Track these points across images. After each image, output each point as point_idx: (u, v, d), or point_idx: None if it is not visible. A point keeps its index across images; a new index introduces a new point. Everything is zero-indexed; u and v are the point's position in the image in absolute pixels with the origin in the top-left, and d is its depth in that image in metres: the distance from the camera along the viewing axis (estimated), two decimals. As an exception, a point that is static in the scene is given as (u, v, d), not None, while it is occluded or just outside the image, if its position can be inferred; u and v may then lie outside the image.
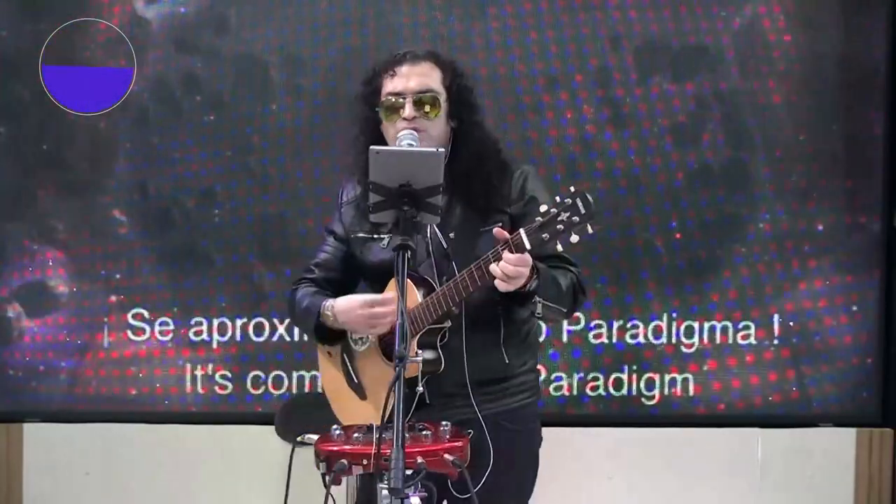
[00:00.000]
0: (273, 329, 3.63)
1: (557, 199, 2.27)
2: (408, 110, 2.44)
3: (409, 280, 2.38)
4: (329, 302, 2.51)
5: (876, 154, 3.68)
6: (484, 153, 2.51)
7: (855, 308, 3.70)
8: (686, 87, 3.65)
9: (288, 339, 3.62)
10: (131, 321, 3.63)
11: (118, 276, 3.63)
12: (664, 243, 3.66)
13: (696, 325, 3.68)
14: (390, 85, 2.48)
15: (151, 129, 3.62)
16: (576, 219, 2.23)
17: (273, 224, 3.63)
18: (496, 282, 2.27)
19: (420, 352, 2.39)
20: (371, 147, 2.15)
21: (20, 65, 3.58)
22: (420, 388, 2.40)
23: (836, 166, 3.68)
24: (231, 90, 3.61)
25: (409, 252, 2.06)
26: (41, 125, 3.60)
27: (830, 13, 3.65)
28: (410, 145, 2.35)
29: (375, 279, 2.53)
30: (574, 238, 2.23)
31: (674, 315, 3.68)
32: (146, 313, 3.64)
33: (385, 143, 2.47)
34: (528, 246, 2.26)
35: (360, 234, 2.56)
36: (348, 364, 2.56)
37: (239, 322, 3.63)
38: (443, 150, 2.16)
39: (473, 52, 3.60)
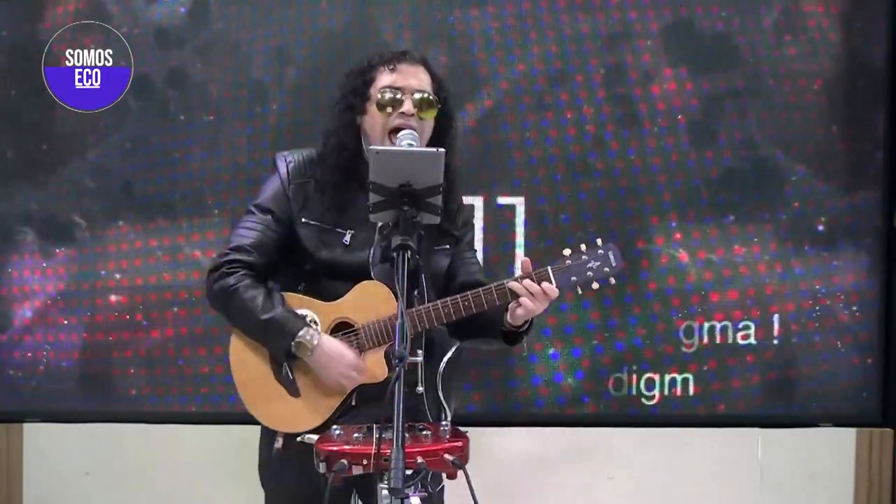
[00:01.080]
0: (273, 329, 3.62)
1: (584, 246, 2.43)
2: (407, 105, 2.45)
3: (384, 287, 2.40)
4: (313, 334, 2.42)
5: (876, 154, 3.68)
6: (452, 169, 2.50)
7: (855, 308, 3.70)
8: (685, 88, 3.65)
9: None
10: (131, 321, 3.63)
11: (118, 276, 3.63)
12: (664, 243, 3.66)
13: (696, 325, 3.68)
14: (388, 78, 2.49)
15: (151, 128, 3.61)
16: (606, 269, 2.42)
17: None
18: (522, 300, 2.38)
19: (420, 351, 2.44)
20: (371, 147, 2.15)
21: (20, 65, 3.57)
22: (420, 389, 2.43)
23: (836, 166, 3.68)
24: (231, 90, 3.60)
25: (410, 252, 2.07)
26: (41, 124, 3.60)
27: (830, 13, 3.65)
28: (410, 145, 2.35)
29: (340, 278, 2.47)
30: (595, 285, 2.42)
31: (674, 315, 3.68)
32: (146, 313, 3.64)
33: (359, 139, 2.47)
34: (554, 285, 2.39)
35: (319, 224, 2.49)
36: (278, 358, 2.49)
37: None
38: (443, 150, 2.16)
39: (473, 52, 3.60)
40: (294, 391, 2.48)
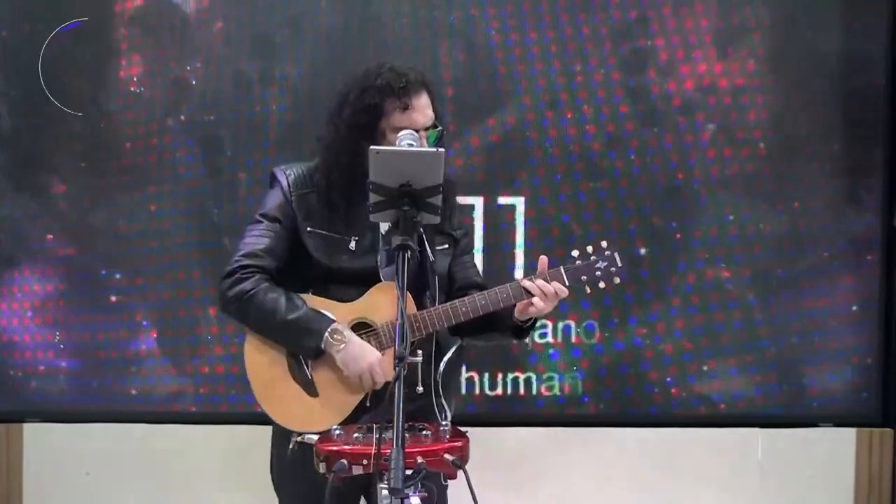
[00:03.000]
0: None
1: (590, 248, 2.52)
2: (422, 142, 2.44)
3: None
4: (342, 329, 2.44)
5: (876, 154, 3.68)
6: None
7: (855, 308, 3.70)
8: (685, 87, 3.65)
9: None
10: (131, 321, 3.63)
11: (118, 275, 3.63)
12: (664, 242, 3.66)
13: (696, 324, 3.68)
14: (402, 119, 2.45)
15: (150, 128, 3.61)
16: (613, 269, 2.52)
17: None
18: (535, 300, 2.45)
19: (420, 351, 2.43)
20: (371, 147, 2.15)
21: (21, 64, 3.58)
22: (420, 389, 2.44)
23: (836, 166, 3.69)
24: (231, 90, 3.61)
25: (409, 252, 2.07)
26: (41, 124, 3.60)
27: (831, 13, 3.65)
28: (410, 145, 2.35)
29: (349, 283, 2.49)
30: (602, 284, 2.52)
31: (674, 314, 3.68)
32: (146, 313, 3.64)
33: (361, 154, 2.43)
34: (566, 283, 2.49)
35: (325, 233, 2.50)
36: (304, 357, 2.51)
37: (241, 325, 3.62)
38: (443, 150, 2.16)
39: (474, 52, 3.60)
40: (312, 391, 2.50)
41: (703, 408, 3.70)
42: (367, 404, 2.48)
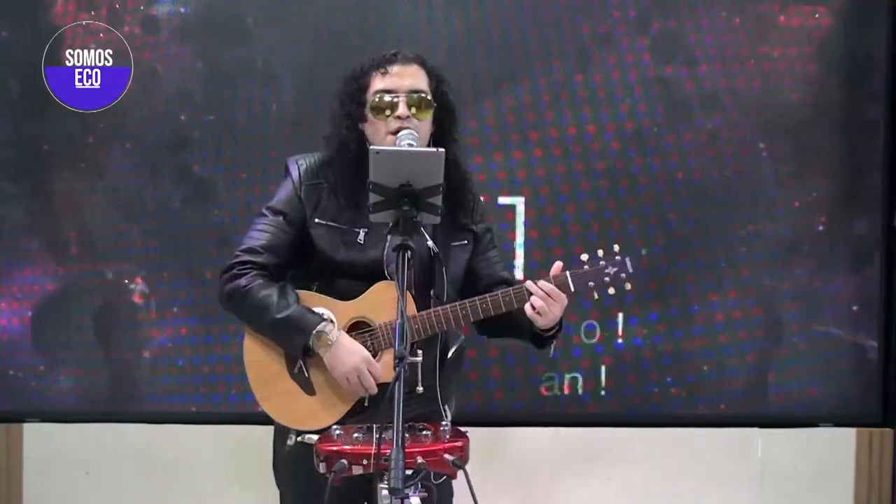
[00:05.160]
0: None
1: (600, 252, 2.49)
2: (401, 108, 2.46)
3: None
4: (331, 329, 2.43)
5: (876, 154, 3.68)
6: (457, 165, 2.55)
7: (855, 308, 3.70)
8: (686, 87, 3.65)
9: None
10: (131, 321, 3.63)
11: (118, 276, 3.63)
12: (664, 243, 3.66)
13: (696, 324, 3.68)
14: (381, 83, 2.49)
15: (150, 127, 3.61)
16: (623, 275, 2.49)
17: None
18: (529, 311, 2.43)
19: (420, 352, 2.43)
20: (371, 147, 2.15)
21: (21, 64, 3.57)
22: (420, 389, 2.43)
23: (836, 166, 3.68)
24: (231, 89, 3.60)
25: (409, 252, 2.07)
26: (42, 124, 3.60)
27: (831, 11, 3.65)
28: (410, 145, 2.36)
29: (354, 277, 2.48)
30: (611, 290, 2.48)
31: (674, 314, 3.68)
32: (146, 313, 3.64)
33: (363, 142, 2.48)
34: (572, 288, 2.46)
35: (333, 225, 2.50)
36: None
37: (240, 321, 3.61)
38: (443, 150, 2.16)
39: (473, 52, 3.60)
40: (309, 389, 2.49)
41: (703, 408, 3.70)
42: (366, 404, 2.48)
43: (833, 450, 3.69)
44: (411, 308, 2.44)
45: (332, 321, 2.46)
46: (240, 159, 3.61)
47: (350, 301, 2.49)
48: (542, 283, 2.45)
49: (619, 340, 3.68)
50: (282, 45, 3.59)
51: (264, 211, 2.55)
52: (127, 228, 3.63)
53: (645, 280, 3.65)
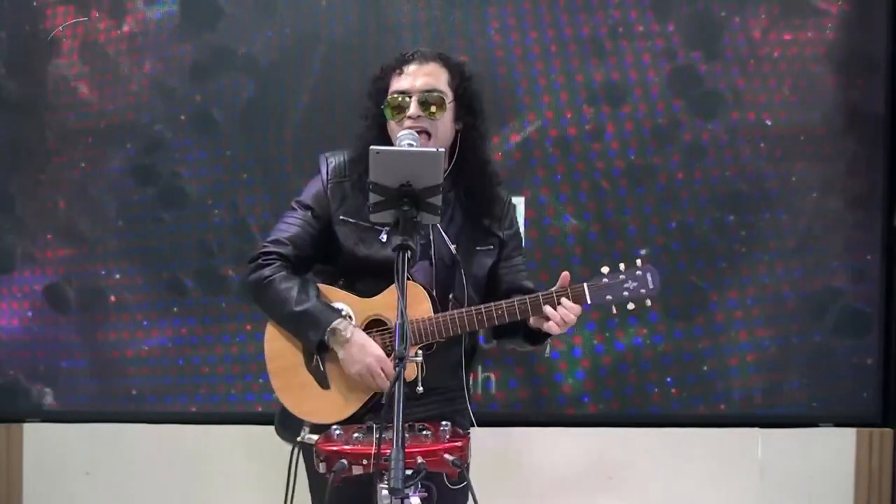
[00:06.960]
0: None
1: (622, 266, 2.45)
2: (412, 109, 2.47)
3: (420, 288, 2.43)
4: (346, 325, 2.45)
5: (876, 153, 3.68)
6: (486, 164, 2.57)
7: (855, 307, 3.70)
8: (686, 87, 3.65)
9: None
10: (131, 321, 3.63)
11: (118, 275, 3.63)
12: (664, 243, 3.66)
13: (696, 324, 3.68)
14: (397, 83, 2.52)
15: (150, 127, 3.61)
16: (643, 291, 2.43)
17: (274, 224, 3.61)
18: (548, 324, 2.42)
19: (420, 351, 2.45)
20: (371, 147, 2.15)
21: (21, 64, 3.57)
22: (420, 389, 2.43)
23: (836, 165, 3.68)
24: (230, 89, 3.60)
25: (410, 252, 2.07)
26: (42, 124, 3.60)
27: (831, 11, 3.65)
28: (410, 145, 2.36)
29: (377, 274, 2.49)
30: (630, 306, 2.43)
31: (674, 314, 3.68)
32: (146, 313, 3.64)
33: (387, 141, 2.50)
34: (589, 301, 2.44)
35: (358, 222, 2.51)
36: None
37: (239, 321, 3.63)
38: (443, 150, 2.16)
39: (473, 52, 3.60)
40: (324, 383, 2.51)
41: (703, 408, 3.70)
42: (383, 401, 2.46)
43: (833, 450, 3.68)
44: (430, 310, 2.45)
45: (349, 317, 2.48)
46: (240, 159, 3.61)
47: (369, 298, 2.51)
48: (566, 302, 2.43)
49: (619, 340, 3.68)
50: (282, 43, 3.59)
51: (293, 205, 2.60)
52: (127, 228, 3.63)
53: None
